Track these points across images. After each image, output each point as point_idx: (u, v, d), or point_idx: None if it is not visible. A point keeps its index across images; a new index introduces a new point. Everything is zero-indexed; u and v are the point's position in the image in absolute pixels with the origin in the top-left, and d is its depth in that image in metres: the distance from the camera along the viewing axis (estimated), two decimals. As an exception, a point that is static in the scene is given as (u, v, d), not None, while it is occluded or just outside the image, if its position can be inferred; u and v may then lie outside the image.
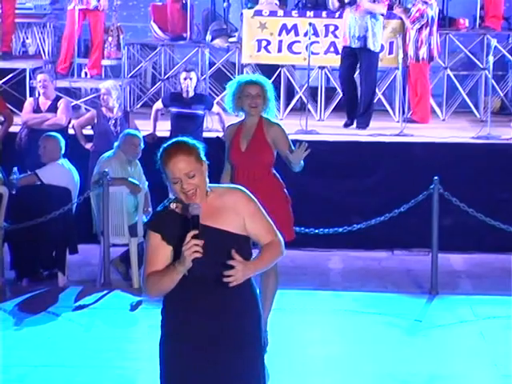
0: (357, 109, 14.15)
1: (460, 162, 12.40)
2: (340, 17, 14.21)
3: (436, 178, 10.79)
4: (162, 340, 5.04)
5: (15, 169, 11.20)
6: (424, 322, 9.94)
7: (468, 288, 11.11)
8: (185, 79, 12.81)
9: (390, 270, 11.76)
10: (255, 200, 5.08)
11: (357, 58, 14.00)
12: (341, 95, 14.64)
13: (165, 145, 5.00)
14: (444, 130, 14.10)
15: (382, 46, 14.60)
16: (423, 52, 14.37)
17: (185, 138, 5.05)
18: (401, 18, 14.67)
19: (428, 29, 14.33)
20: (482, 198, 11.54)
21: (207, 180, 5.00)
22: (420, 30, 14.31)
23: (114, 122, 12.41)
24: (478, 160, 12.63)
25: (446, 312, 10.19)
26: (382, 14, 14.04)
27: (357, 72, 14.22)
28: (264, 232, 5.10)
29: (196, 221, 4.80)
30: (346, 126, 14.10)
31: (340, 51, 14.25)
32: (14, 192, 11.01)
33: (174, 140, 5.05)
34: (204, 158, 5.00)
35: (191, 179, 4.89)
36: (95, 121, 12.62)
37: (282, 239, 5.15)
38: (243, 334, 5.02)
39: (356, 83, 14.26)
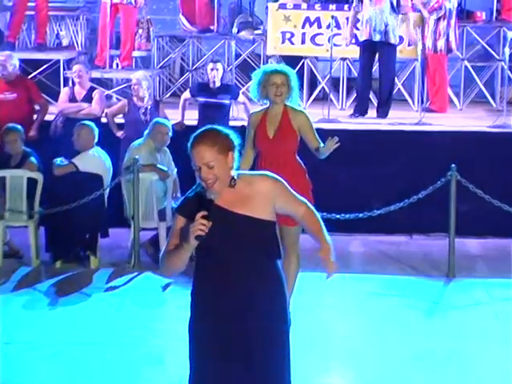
0: (365, 104, 14.17)
1: (477, 150, 12.38)
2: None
3: (453, 165, 10.82)
4: (192, 320, 5.04)
5: (61, 158, 11.28)
6: (441, 304, 9.97)
7: (484, 271, 11.08)
8: (212, 70, 12.82)
9: (408, 254, 11.76)
10: (282, 180, 5.09)
11: (376, 50, 14.00)
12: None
13: (196, 132, 4.95)
14: (461, 119, 14.11)
15: (401, 38, 14.63)
16: (441, 44, 14.32)
17: (216, 128, 5.01)
18: (420, 11, 14.67)
19: (446, 21, 14.29)
20: (498, 184, 11.51)
21: (232, 170, 4.95)
22: (438, 21, 14.28)
23: (144, 110, 12.43)
24: (494, 148, 12.61)
25: (462, 294, 10.20)
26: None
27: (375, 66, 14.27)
28: (296, 206, 5.16)
29: (209, 204, 4.81)
30: (357, 115, 14.08)
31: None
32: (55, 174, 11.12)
33: (203, 128, 5.01)
34: (232, 151, 4.94)
35: (210, 169, 4.83)
36: (126, 110, 12.64)
37: (311, 206, 5.25)
38: (270, 314, 4.99)
39: (371, 78, 14.28)
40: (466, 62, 14.96)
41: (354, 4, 14.13)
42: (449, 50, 14.45)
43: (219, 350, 4.96)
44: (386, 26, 13.71)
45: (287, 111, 8.69)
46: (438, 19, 14.26)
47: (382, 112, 14.03)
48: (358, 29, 14.14)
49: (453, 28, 14.43)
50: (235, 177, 4.97)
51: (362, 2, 13.98)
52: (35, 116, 12.85)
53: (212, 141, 4.88)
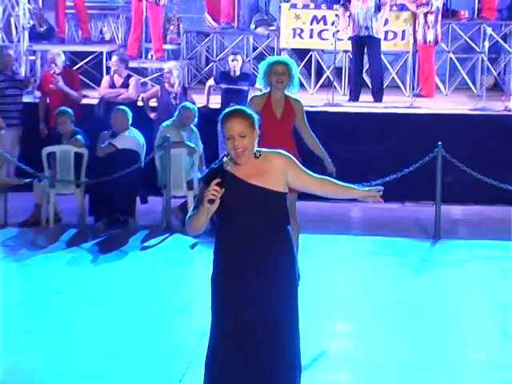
0: (358, 91, 14.07)
1: (460, 129, 12.34)
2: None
3: (440, 143, 10.83)
4: (214, 276, 5.01)
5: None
6: (428, 262, 10.00)
7: (466, 234, 11.08)
8: (232, 61, 12.85)
9: (400, 219, 11.77)
10: (292, 157, 5.04)
11: (364, 44, 13.92)
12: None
13: (226, 110, 4.95)
14: (447, 103, 14.07)
15: (396, 34, 14.60)
16: (430, 36, 14.25)
17: (244, 108, 5.06)
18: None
19: (434, 16, 14.23)
20: (478, 159, 11.46)
21: (255, 145, 4.92)
22: (426, 16, 14.19)
23: (174, 95, 12.44)
24: (475, 128, 12.60)
25: (446, 254, 10.21)
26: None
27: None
28: (308, 179, 5.05)
29: (224, 174, 4.77)
30: (351, 100, 13.98)
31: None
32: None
33: (234, 107, 5.06)
34: (257, 127, 4.93)
35: (242, 139, 4.82)
36: (159, 95, 12.69)
37: (319, 175, 5.17)
38: (280, 269, 4.95)
39: (362, 68, 14.23)
40: (451, 54, 14.86)
41: (341, 1, 14.15)
42: (436, 41, 14.38)
43: (237, 301, 4.92)
44: (371, 23, 13.65)
45: (288, 98, 8.73)
46: (426, 14, 14.18)
47: (378, 97, 13.98)
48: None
49: (439, 23, 14.37)
50: (257, 153, 4.94)
51: (349, 1, 13.97)
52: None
53: (243, 116, 4.89)
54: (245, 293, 4.92)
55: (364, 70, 14.40)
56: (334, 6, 14.66)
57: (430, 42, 14.31)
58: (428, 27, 14.21)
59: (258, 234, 4.91)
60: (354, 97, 14.02)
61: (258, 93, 9.14)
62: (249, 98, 12.59)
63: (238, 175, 4.90)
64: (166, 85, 12.70)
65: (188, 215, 5.03)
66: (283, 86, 8.63)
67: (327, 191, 5.21)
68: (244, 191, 4.89)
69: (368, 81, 14.41)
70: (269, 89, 8.74)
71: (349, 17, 14.00)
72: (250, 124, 4.90)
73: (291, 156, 5.05)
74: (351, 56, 14.32)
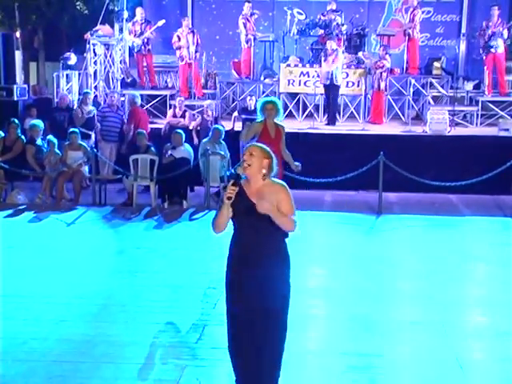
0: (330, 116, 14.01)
1: (394, 144, 12.26)
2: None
3: (381, 152, 10.81)
4: (226, 269, 4.41)
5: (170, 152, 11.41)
6: (374, 229, 9.95)
7: (398, 211, 11.02)
8: (249, 100, 12.90)
9: (356, 201, 11.69)
10: (287, 193, 4.31)
11: (329, 89, 13.82)
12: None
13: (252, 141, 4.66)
14: (386, 127, 13.95)
15: (353, 83, 14.57)
16: (382, 86, 14.17)
17: (263, 145, 4.43)
18: (365, 67, 14.58)
19: (386, 74, 14.17)
20: (404, 162, 11.34)
21: (264, 171, 4.27)
22: (381, 73, 14.12)
23: (210, 122, 12.48)
24: (404, 143, 12.55)
25: (386, 223, 10.16)
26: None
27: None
28: (287, 212, 4.24)
29: (235, 176, 4.27)
30: (328, 124, 13.88)
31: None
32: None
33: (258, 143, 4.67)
34: (270, 161, 4.30)
35: (251, 156, 4.26)
36: (201, 122, 12.71)
37: (296, 220, 4.31)
38: (270, 263, 4.26)
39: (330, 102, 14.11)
40: (388, 96, 14.77)
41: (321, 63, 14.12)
42: (385, 89, 14.30)
43: (237, 292, 4.32)
44: (335, 76, 13.58)
45: (277, 124, 8.81)
46: (381, 72, 14.12)
47: (332, 122, 13.87)
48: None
49: (388, 78, 14.34)
50: (266, 175, 4.30)
51: (320, 63, 13.99)
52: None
53: (263, 150, 4.34)
54: (241, 277, 4.28)
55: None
56: (314, 65, 14.64)
57: (382, 89, 14.23)
58: (381, 80, 14.14)
59: (254, 242, 4.25)
60: (331, 122, 13.92)
61: (258, 120, 9.07)
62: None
63: (246, 190, 4.29)
64: (205, 115, 12.77)
65: (212, 218, 4.36)
66: (273, 117, 8.72)
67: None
68: (246, 205, 4.23)
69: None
70: (264, 118, 8.76)
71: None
72: (263, 153, 4.32)
73: (286, 188, 4.34)
74: (325, 97, 14.19)
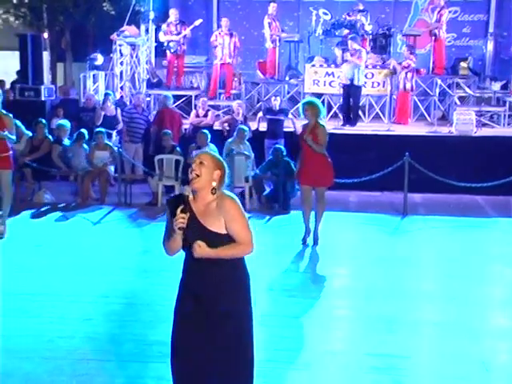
0: (349, 117, 13.80)
1: (420, 145, 12.21)
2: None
3: (407, 153, 10.76)
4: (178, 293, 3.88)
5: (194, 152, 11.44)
6: (399, 230, 9.93)
7: (423, 212, 10.97)
8: (274, 100, 12.85)
9: (381, 202, 11.66)
10: (237, 209, 3.69)
11: (350, 89, 13.68)
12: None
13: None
14: (411, 128, 13.87)
15: (378, 83, 14.49)
16: (408, 86, 14.11)
17: (213, 153, 3.95)
18: (390, 68, 14.53)
19: (411, 74, 14.11)
20: (431, 164, 11.29)
21: (214, 184, 3.72)
22: (406, 74, 14.08)
23: (240, 122, 12.52)
24: (430, 144, 12.47)
25: (411, 224, 10.13)
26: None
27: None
28: (235, 234, 3.67)
29: (183, 199, 3.66)
30: (343, 125, 13.64)
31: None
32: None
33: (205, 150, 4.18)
34: (221, 172, 3.76)
35: (201, 165, 3.71)
36: (231, 121, 12.77)
37: (246, 242, 3.69)
38: (218, 292, 3.69)
39: (350, 103, 13.93)
40: (414, 97, 14.71)
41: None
42: (411, 89, 14.25)
43: (187, 314, 3.75)
44: (353, 75, 13.46)
45: (316, 124, 8.65)
46: (406, 72, 14.08)
47: (353, 123, 13.66)
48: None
49: (414, 78, 14.27)
50: (216, 189, 3.74)
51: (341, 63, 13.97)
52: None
53: (211, 155, 3.85)
54: (191, 304, 3.75)
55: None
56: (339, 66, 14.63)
57: (407, 90, 14.16)
58: (407, 80, 14.09)
59: (202, 263, 3.69)
60: (348, 123, 13.76)
61: (304, 122, 9.11)
62: (284, 124, 12.65)
63: (193, 208, 3.71)
64: (234, 114, 12.81)
65: (162, 239, 3.80)
66: (312, 118, 8.62)
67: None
68: (193, 224, 3.66)
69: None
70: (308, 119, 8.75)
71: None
72: (215, 163, 3.77)
73: (235, 202, 3.72)
74: (343, 97, 13.93)
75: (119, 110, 12.99)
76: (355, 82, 13.55)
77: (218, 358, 3.71)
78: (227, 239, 3.68)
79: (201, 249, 3.63)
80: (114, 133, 12.84)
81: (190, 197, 3.72)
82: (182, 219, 3.61)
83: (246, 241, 3.71)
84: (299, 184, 9.05)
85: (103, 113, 12.72)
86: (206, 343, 3.71)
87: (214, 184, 3.72)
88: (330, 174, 8.71)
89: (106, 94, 13.22)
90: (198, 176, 3.71)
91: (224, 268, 3.70)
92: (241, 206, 3.74)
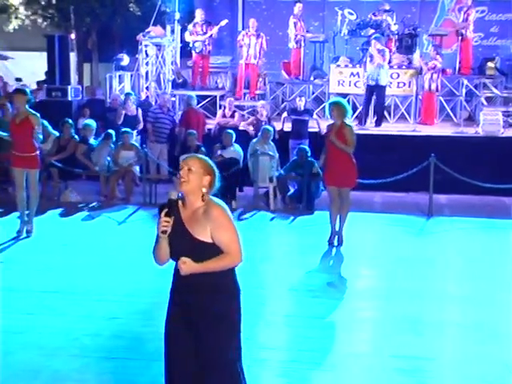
0: (368, 117, 13.77)
1: (445, 145, 12.14)
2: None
3: (432, 154, 10.70)
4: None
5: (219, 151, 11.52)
6: (424, 231, 9.89)
7: (448, 213, 10.91)
8: (299, 101, 12.86)
9: (406, 203, 11.61)
10: (225, 217, 3.53)
11: (374, 90, 13.64)
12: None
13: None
14: (437, 128, 13.80)
15: (404, 83, 14.41)
16: (433, 87, 14.07)
17: (204, 158, 3.72)
18: (415, 68, 14.45)
19: (436, 74, 14.05)
20: (457, 165, 11.22)
21: (204, 190, 3.56)
22: (432, 74, 14.02)
23: (264, 122, 12.53)
24: (456, 144, 12.37)
25: (436, 225, 10.09)
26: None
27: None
28: (222, 244, 3.49)
29: (170, 203, 3.49)
30: (361, 124, 13.57)
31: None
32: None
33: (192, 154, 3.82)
34: (211, 178, 3.60)
35: (189, 172, 3.54)
36: (255, 122, 12.77)
37: (234, 253, 3.51)
38: (204, 301, 3.53)
39: (372, 104, 13.89)
40: (440, 97, 14.62)
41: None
42: (437, 90, 14.19)
43: (176, 321, 3.61)
44: (378, 76, 13.40)
45: (343, 124, 8.60)
46: (432, 73, 14.02)
47: (378, 124, 13.68)
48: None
49: (440, 78, 14.18)
50: (206, 196, 3.58)
51: (365, 63, 13.81)
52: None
53: (202, 161, 3.65)
54: (180, 312, 3.62)
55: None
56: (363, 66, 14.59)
57: (433, 90, 14.10)
58: (432, 80, 14.03)
59: (191, 274, 3.50)
60: (364, 122, 13.74)
61: (328, 122, 9.08)
62: (309, 124, 12.64)
63: (181, 213, 3.56)
64: (258, 115, 12.83)
65: (153, 248, 3.65)
66: (337, 118, 8.58)
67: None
68: (180, 231, 3.49)
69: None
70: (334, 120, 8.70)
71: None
72: (204, 168, 3.59)
73: (223, 210, 3.55)
74: (365, 98, 13.88)
75: (140, 110, 13.04)
76: (379, 82, 13.51)
77: (200, 361, 3.58)
78: (215, 248, 3.48)
79: (186, 265, 3.45)
80: (135, 132, 12.92)
81: (180, 202, 3.57)
82: (165, 222, 3.46)
83: (234, 251, 3.51)
84: (325, 185, 9.04)
85: (124, 112, 12.80)
86: (192, 349, 3.58)
87: (204, 190, 3.55)
88: (354, 175, 8.69)
89: (127, 94, 13.31)
90: (185, 182, 3.53)
91: (213, 277, 3.50)
92: (230, 213, 3.55)
